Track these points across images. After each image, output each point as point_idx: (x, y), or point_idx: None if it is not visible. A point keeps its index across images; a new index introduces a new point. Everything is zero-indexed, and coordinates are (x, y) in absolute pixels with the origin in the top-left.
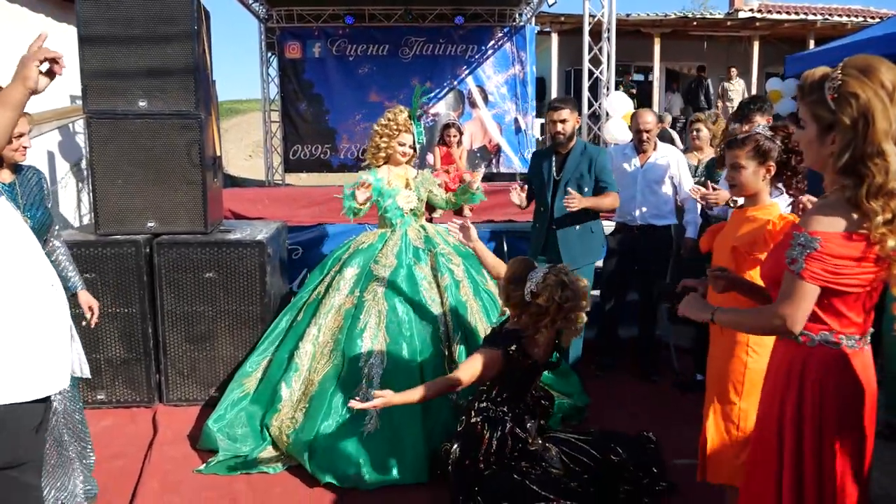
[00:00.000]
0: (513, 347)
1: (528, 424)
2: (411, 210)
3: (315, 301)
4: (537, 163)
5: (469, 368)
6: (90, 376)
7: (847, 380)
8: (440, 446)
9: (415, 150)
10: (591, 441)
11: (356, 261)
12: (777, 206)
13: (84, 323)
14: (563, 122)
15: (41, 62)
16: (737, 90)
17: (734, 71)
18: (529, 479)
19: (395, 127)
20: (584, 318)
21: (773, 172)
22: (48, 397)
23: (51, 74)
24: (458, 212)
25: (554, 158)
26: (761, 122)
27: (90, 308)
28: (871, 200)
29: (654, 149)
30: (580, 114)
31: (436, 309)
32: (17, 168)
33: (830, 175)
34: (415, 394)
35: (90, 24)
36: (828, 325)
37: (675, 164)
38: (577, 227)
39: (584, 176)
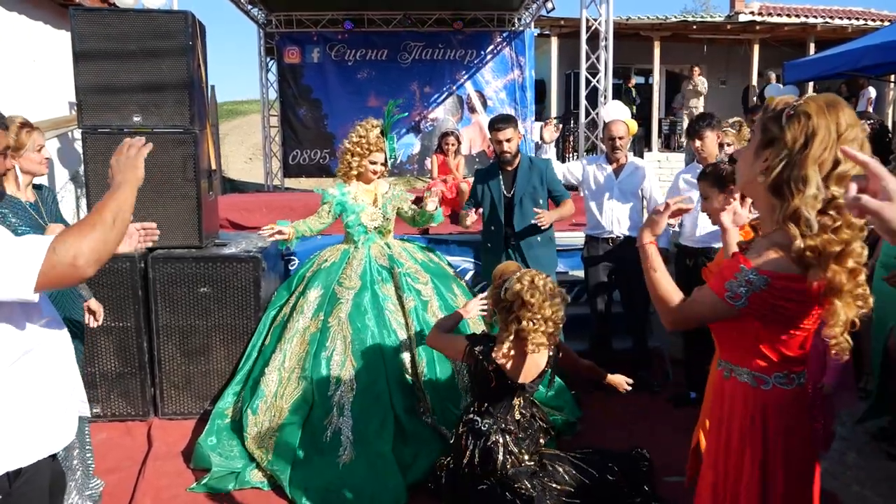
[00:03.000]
0: (479, 347)
1: (525, 443)
2: (375, 228)
3: (280, 324)
4: (482, 182)
5: (439, 335)
6: (90, 415)
7: (802, 417)
8: (434, 467)
9: (386, 166)
10: (587, 460)
11: (319, 281)
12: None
13: (92, 324)
14: (508, 140)
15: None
16: (696, 90)
17: (697, 70)
18: (521, 498)
19: (366, 145)
20: (547, 332)
21: (736, 197)
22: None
23: None
24: (455, 220)
25: (501, 176)
26: (713, 138)
27: (98, 312)
28: (787, 223)
29: (626, 159)
30: (538, 125)
31: (401, 333)
32: (34, 187)
33: (762, 200)
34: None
35: (85, 39)
36: (780, 367)
37: (646, 176)
38: (539, 237)
39: (537, 189)
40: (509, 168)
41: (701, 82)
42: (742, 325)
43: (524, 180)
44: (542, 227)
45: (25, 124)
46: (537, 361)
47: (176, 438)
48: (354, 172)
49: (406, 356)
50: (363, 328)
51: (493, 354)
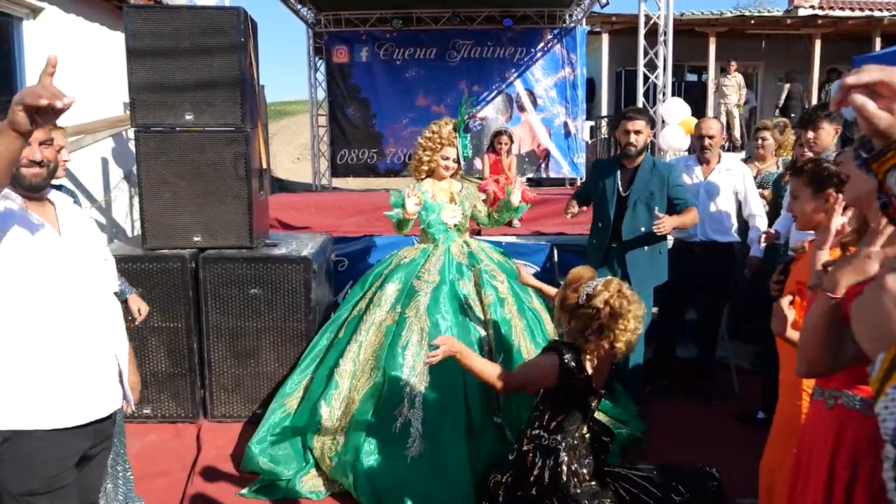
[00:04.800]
0: (568, 356)
1: (586, 460)
2: (455, 225)
3: (356, 318)
4: (599, 174)
5: (521, 371)
6: (133, 408)
7: None
8: (489, 475)
9: (459, 164)
10: (651, 478)
11: (398, 276)
12: None
13: (130, 323)
14: (637, 133)
15: (29, 108)
16: (733, 86)
17: (734, 65)
18: None
19: (438, 140)
20: (633, 336)
21: (832, 202)
22: (89, 425)
23: (55, 111)
24: (507, 223)
25: (619, 173)
26: (830, 131)
27: (139, 310)
28: None
29: (719, 160)
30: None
31: (479, 327)
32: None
33: (879, 215)
34: (472, 359)
35: (138, 37)
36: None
37: (739, 178)
38: (646, 248)
39: (655, 195)
40: (629, 166)
41: (734, 78)
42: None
43: (642, 182)
44: (661, 233)
45: None
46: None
47: (225, 442)
48: (425, 168)
49: (484, 350)
50: (441, 320)
51: (584, 366)
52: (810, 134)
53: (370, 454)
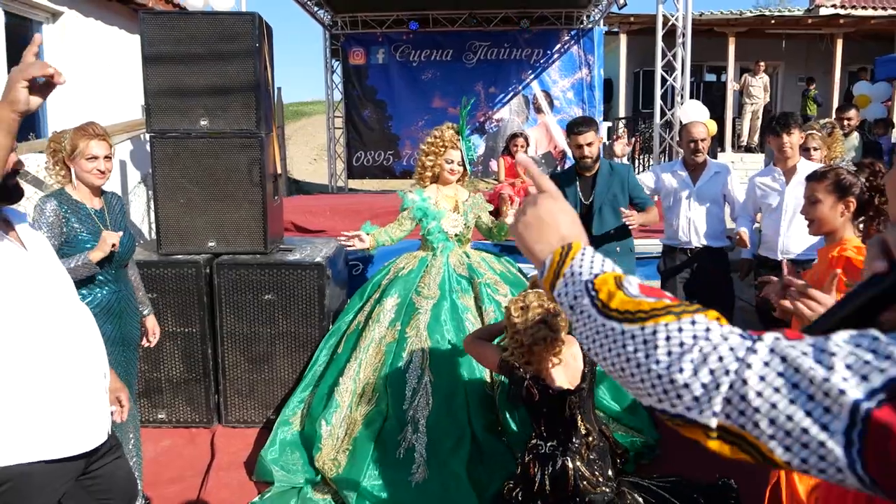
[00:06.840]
0: (508, 353)
1: (597, 465)
2: (456, 235)
3: (355, 332)
4: (559, 188)
5: (475, 345)
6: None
7: None
8: (501, 489)
9: (464, 168)
10: (669, 489)
11: (396, 290)
12: (855, 242)
13: (144, 343)
14: (588, 145)
15: (30, 81)
16: (759, 87)
17: (762, 65)
18: None
19: (441, 144)
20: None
21: (851, 210)
22: (78, 457)
23: (50, 86)
24: None
25: (578, 182)
26: (798, 136)
27: (153, 332)
28: None
29: (706, 165)
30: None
31: None
32: (100, 193)
33: None
34: None
35: (154, 43)
36: None
37: (727, 182)
38: (618, 247)
39: (618, 196)
40: (587, 174)
41: (761, 79)
42: None
43: (604, 187)
44: (630, 226)
45: (86, 132)
46: (570, 362)
47: (239, 448)
48: (429, 174)
49: (486, 369)
50: (442, 340)
51: (533, 369)
52: (785, 138)
53: (374, 480)
